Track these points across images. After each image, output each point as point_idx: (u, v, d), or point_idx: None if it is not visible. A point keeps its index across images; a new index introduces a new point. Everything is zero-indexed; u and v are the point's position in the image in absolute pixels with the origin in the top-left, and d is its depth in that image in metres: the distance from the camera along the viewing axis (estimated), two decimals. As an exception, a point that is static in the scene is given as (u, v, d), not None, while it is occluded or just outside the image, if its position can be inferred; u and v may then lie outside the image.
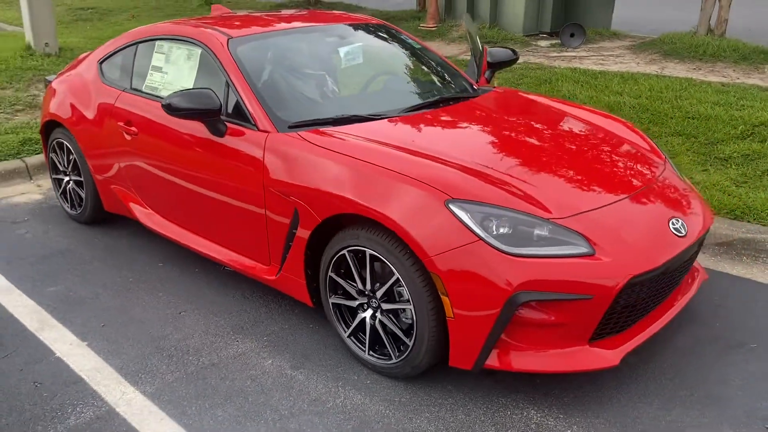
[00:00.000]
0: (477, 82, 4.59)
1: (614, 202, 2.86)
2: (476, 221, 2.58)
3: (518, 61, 7.56)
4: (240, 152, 3.26)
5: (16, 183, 5.50)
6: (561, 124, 3.55)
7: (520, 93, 4.10)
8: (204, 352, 3.16)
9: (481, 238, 2.55)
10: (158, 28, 4.08)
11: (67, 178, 4.69)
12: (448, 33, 9.39)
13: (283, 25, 3.99)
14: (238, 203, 3.32)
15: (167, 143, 3.68)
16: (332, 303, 3.07)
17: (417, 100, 3.67)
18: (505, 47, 4.75)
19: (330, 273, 3.01)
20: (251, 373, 3.00)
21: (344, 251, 2.90)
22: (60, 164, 4.72)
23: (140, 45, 4.11)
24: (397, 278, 2.73)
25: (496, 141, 3.27)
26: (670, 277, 2.88)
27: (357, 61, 3.89)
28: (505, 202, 2.67)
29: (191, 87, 3.65)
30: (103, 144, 4.18)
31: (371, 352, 2.96)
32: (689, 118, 5.70)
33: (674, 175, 3.27)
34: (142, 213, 4.09)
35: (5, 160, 5.66)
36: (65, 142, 4.54)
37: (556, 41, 8.78)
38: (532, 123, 3.54)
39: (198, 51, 3.68)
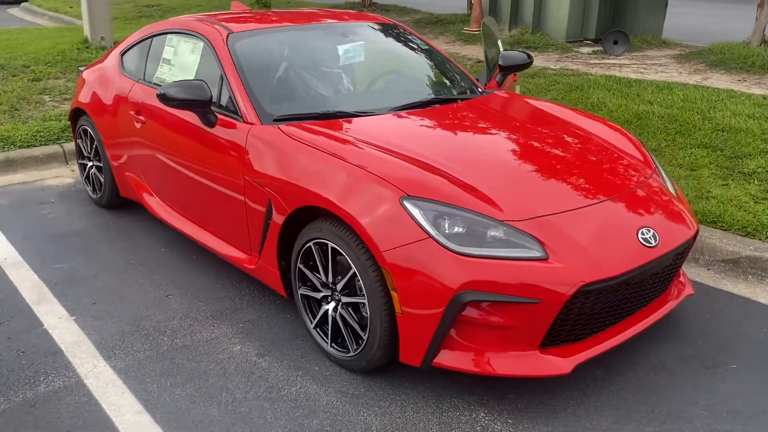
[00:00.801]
0: (486, 84, 4.57)
1: (580, 207, 2.80)
2: (428, 219, 2.59)
3: (554, 68, 7.46)
4: (226, 142, 3.36)
5: (53, 167, 5.81)
6: (548, 129, 3.50)
7: (521, 97, 4.06)
8: (179, 334, 3.28)
9: (430, 236, 2.55)
10: (171, 23, 4.25)
11: (90, 164, 4.93)
12: (490, 37, 9.32)
13: (289, 22, 4.07)
14: (225, 192, 3.42)
15: (168, 132, 3.83)
16: (301, 294, 3.13)
17: (409, 100, 3.68)
18: (521, 51, 4.71)
19: (299, 264, 3.07)
20: (218, 357, 3.09)
21: (310, 243, 2.95)
22: (84, 150, 4.96)
23: (155, 38, 4.29)
24: (354, 272, 2.76)
25: (473, 143, 3.26)
26: (637, 288, 2.80)
27: (357, 59, 3.93)
28: (461, 202, 2.66)
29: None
30: (119, 132, 4.38)
31: (333, 345, 3.00)
32: (719, 130, 5.47)
33: (659, 185, 3.17)
34: (149, 199, 4.27)
35: (45, 144, 5.99)
36: (89, 129, 4.78)
37: (599, 48, 8.57)
38: (518, 127, 3.51)
39: (201, 44, 3.81)
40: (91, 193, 5.00)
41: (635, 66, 7.60)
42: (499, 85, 4.64)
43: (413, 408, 2.75)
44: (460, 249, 2.53)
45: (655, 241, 2.79)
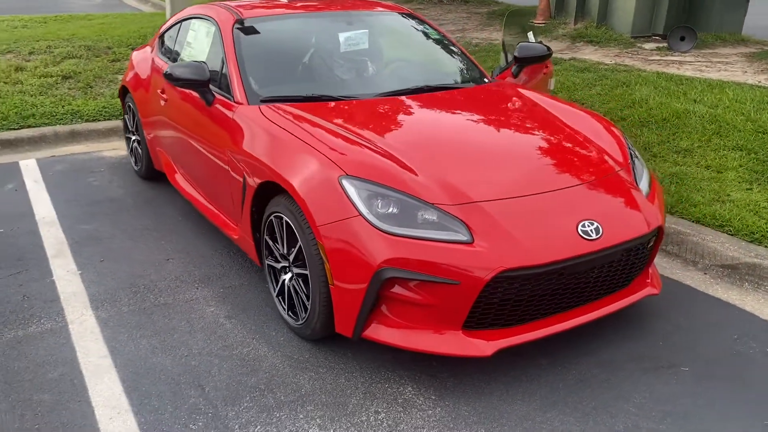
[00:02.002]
0: (497, 75, 4.58)
1: (521, 196, 2.84)
2: (361, 198, 2.72)
3: (608, 63, 7.26)
4: (219, 120, 3.62)
5: (112, 140, 6.35)
6: (525, 120, 3.52)
7: (517, 88, 4.05)
8: (164, 293, 3.58)
9: (361, 214, 2.68)
10: (197, 8, 4.56)
11: (133, 138, 5.36)
12: (554, 30, 9.13)
13: (303, 10, 4.27)
14: (219, 166, 3.68)
15: (181, 110, 4.15)
16: (267, 264, 3.34)
17: (401, 86, 3.80)
18: (540, 42, 4.69)
19: (265, 236, 3.28)
20: (190, 316, 3.36)
21: (272, 216, 3.16)
22: (129, 125, 5.41)
23: (184, 22, 4.63)
24: (300, 245, 2.94)
25: (439, 129, 3.34)
26: (574, 280, 2.80)
27: (360, 46, 4.08)
28: (397, 184, 2.77)
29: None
30: (151, 109, 4.76)
31: (289, 313, 3.20)
32: (759, 132, 5.18)
33: (625, 181, 3.13)
34: (169, 171, 4.62)
35: (108, 120, 6.54)
36: (131, 106, 5.21)
37: (665, 45, 8.21)
38: (495, 117, 3.55)
39: (213, 29, 4.09)
40: (133, 165, 5.45)
41: (698, 64, 7.25)
42: (515, 77, 4.64)
43: (346, 377, 2.90)
44: (386, 228, 2.65)
45: (597, 234, 2.78)
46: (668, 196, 4.43)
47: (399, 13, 4.54)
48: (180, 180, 4.50)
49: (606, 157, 3.24)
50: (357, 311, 2.73)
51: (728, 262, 3.82)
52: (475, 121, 3.46)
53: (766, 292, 3.63)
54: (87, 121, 6.49)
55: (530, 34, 5.17)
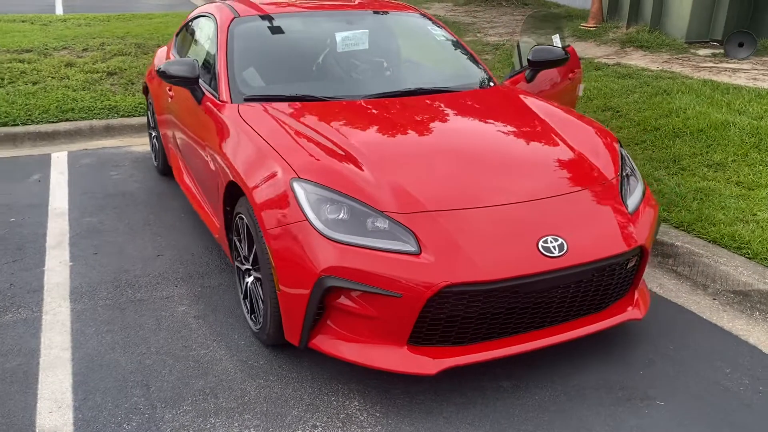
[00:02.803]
0: (508, 78, 4.39)
1: (482, 207, 2.67)
2: (310, 202, 2.62)
3: (654, 70, 6.87)
4: (206, 117, 3.60)
5: (144, 136, 6.48)
6: (512, 128, 3.33)
7: (517, 94, 3.84)
8: (143, 289, 3.59)
9: (307, 219, 2.59)
10: (207, 6, 4.57)
11: (153, 134, 5.46)
12: (604, 34, 8.70)
13: (307, 8, 4.21)
14: (206, 162, 3.66)
15: (180, 107, 4.17)
16: (236, 266, 3.29)
17: (392, 88, 3.68)
18: (568, 46, 4.47)
19: (234, 237, 3.23)
20: (160, 314, 3.35)
21: (237, 217, 3.10)
22: (150, 121, 5.51)
23: (195, 20, 4.66)
24: (256, 247, 2.87)
25: (412, 133, 3.19)
26: (535, 299, 2.61)
27: (359, 46, 3.98)
28: (349, 189, 2.65)
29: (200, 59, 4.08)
30: (162, 106, 4.82)
31: (251, 316, 3.13)
32: (804, 148, 4.75)
33: (607, 196, 2.89)
34: (177, 169, 4.66)
35: (143, 116, 6.69)
36: (151, 102, 5.30)
37: (721, 51, 7.67)
38: (480, 123, 3.38)
39: (213, 27, 4.09)
40: (153, 160, 5.54)
41: (754, 72, 6.73)
42: (528, 81, 4.43)
43: (295, 387, 2.81)
44: (332, 234, 2.54)
45: (560, 251, 2.58)
46: (688, 213, 4.12)
47: (407, 13, 4.41)
48: (181, 176, 4.53)
49: (591, 170, 3.01)
50: (302, 319, 2.63)
51: (740, 288, 3.50)
52: (457, 127, 3.30)
53: (776, 324, 3.30)
54: (123, 116, 6.67)
55: (555, 37, 4.92)
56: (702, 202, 4.25)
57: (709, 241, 3.87)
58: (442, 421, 2.61)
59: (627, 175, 3.14)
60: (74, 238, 4.20)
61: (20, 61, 7.74)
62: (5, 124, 6.25)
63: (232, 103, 3.47)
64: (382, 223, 2.57)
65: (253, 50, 3.81)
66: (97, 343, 3.10)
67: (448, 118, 3.42)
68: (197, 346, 3.09)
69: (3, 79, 7.15)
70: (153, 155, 5.54)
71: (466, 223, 2.60)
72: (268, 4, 4.29)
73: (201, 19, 4.47)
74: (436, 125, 3.31)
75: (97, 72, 7.66)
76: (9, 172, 5.42)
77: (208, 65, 3.89)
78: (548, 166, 3.02)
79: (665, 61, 7.28)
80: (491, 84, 4.02)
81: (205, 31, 4.29)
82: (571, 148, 3.15)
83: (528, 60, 4.27)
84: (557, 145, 3.17)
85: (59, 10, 13.60)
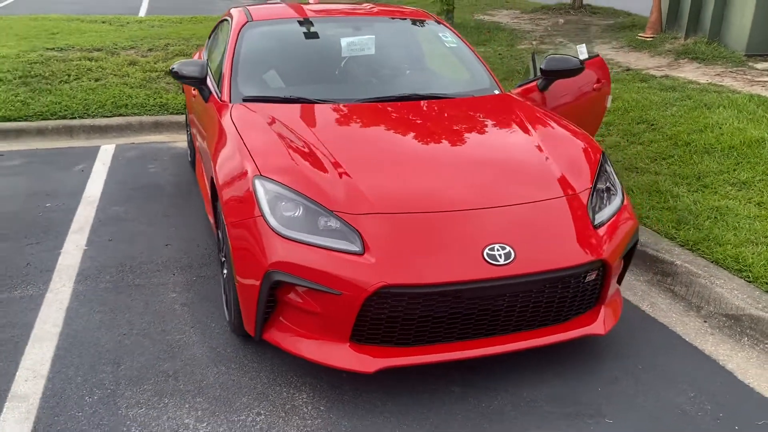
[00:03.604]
0: (519, 86, 4.37)
1: (433, 211, 2.71)
2: (268, 199, 2.73)
3: (701, 83, 6.61)
4: (209, 115, 3.79)
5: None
6: (489, 134, 3.35)
7: (513, 102, 3.81)
8: (143, 275, 3.80)
9: (263, 214, 2.70)
10: (232, 10, 4.78)
11: (189, 130, 5.74)
12: (660, 45, 8.37)
13: (320, 14, 4.34)
14: (207, 160, 3.85)
15: (198, 105, 4.38)
16: (221, 259, 3.44)
17: (387, 93, 3.74)
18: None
19: (218, 230, 3.39)
20: (151, 299, 3.55)
21: (219, 212, 3.25)
22: (187, 118, 5.80)
23: (221, 23, 4.88)
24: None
25: (388, 137, 3.26)
26: (480, 305, 2.61)
27: (365, 51, 4.06)
28: (306, 189, 2.75)
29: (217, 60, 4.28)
30: (190, 104, 5.08)
31: (226, 306, 3.27)
32: (838, 170, 4.45)
33: (569, 207, 2.85)
34: (197, 164, 4.89)
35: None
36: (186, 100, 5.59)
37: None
38: (460, 129, 3.42)
39: (229, 29, 4.28)
40: (188, 156, 5.83)
41: (813, 88, 6.34)
42: (541, 90, 4.39)
43: (252, 375, 2.92)
44: (283, 231, 2.64)
45: (506, 259, 2.58)
46: (697, 232, 3.97)
47: (419, 19, 4.46)
48: (197, 171, 4.75)
49: (560, 182, 2.97)
50: (255, 310, 2.75)
51: (732, 312, 3.35)
52: (437, 132, 3.33)
53: (762, 351, 3.14)
54: (171, 113, 7.02)
55: (582, 47, 4.83)
56: (715, 221, 4.08)
57: (712, 262, 3.72)
58: (382, 419, 2.66)
59: (604, 188, 3.08)
60: (96, 225, 4.49)
61: (89, 59, 8.27)
62: (64, 117, 6.72)
63: (230, 103, 3.63)
64: (333, 223, 2.65)
65: (258, 53, 3.97)
66: (85, 322, 3.32)
67: (432, 123, 3.46)
68: (175, 331, 3.26)
69: (69, 76, 7.67)
70: (189, 151, 5.83)
71: (415, 227, 2.65)
72: (286, 9, 4.45)
73: (224, 22, 4.68)
74: (416, 130, 3.36)
75: (156, 71, 8.09)
76: (59, 162, 5.83)
77: (222, 66, 4.08)
78: (516, 175, 3.02)
79: (717, 75, 6.97)
80: (495, 92, 4.01)
81: (224, 34, 4.49)
82: (547, 159, 3.12)
83: (540, 69, 4.24)
84: (533, 154, 3.15)
85: (142, 12, 14.40)
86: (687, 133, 5.37)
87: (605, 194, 3.07)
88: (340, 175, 2.84)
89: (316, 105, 3.56)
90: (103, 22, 11.09)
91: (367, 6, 4.60)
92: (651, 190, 4.61)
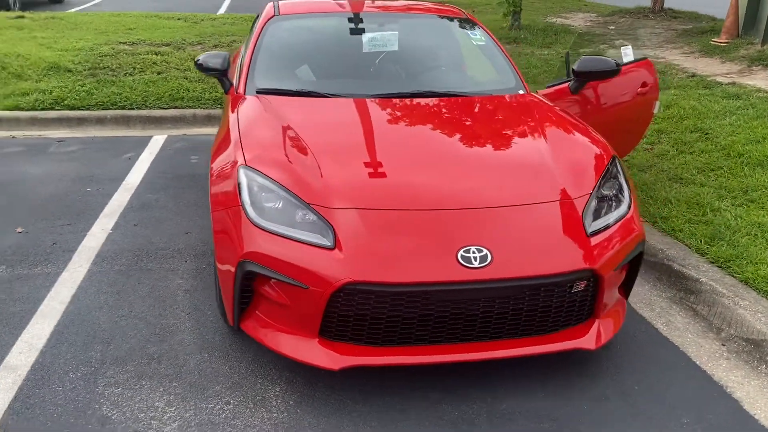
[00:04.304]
0: (548, 86, 4.22)
1: (413, 209, 2.63)
2: (249, 189, 2.73)
3: (759, 93, 6.16)
4: (225, 106, 3.85)
5: (239, 126, 6.97)
6: (494, 135, 3.25)
7: (531, 103, 3.65)
8: (155, 261, 3.89)
9: (242, 204, 2.70)
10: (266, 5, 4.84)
11: (231, 123, 5.86)
12: (734, 51, 7.82)
13: (349, 10, 4.32)
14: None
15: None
16: (219, 247, 3.48)
17: (401, 89, 3.68)
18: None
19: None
20: (157, 284, 3.62)
21: (217, 200, 3.29)
22: (229, 111, 5.92)
23: (256, 18, 4.94)
24: (216, 228, 3.03)
25: (388, 132, 3.23)
26: (453, 309, 2.51)
27: (387, 47, 4.01)
28: (288, 181, 2.74)
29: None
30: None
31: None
32: None
33: (560, 213, 2.70)
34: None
35: (242, 107, 7.18)
36: (229, 94, 5.70)
37: None
38: (466, 128, 3.32)
39: (258, 22, 4.33)
40: (230, 148, 5.95)
41: None
42: (573, 93, 4.21)
43: (232, 365, 2.93)
44: (259, 221, 2.63)
45: (481, 263, 2.47)
46: (730, 249, 3.69)
47: (449, 16, 4.36)
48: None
49: (556, 186, 2.82)
50: (232, 299, 2.75)
51: (753, 336, 3.09)
52: (438, 130, 3.24)
53: (779, 382, 2.87)
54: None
55: (627, 48, 4.59)
56: (754, 238, 3.78)
57: (741, 282, 3.44)
58: (347, 419, 2.60)
59: (611, 195, 2.91)
60: (126, 210, 4.65)
61: (156, 54, 8.60)
62: (123, 107, 7.01)
63: (245, 95, 3.67)
64: (310, 216, 2.62)
65: (279, 46, 3.99)
66: (90, 302, 3.43)
67: (438, 121, 3.37)
68: (171, 316, 3.31)
69: (135, 68, 7.99)
70: (230, 143, 5.94)
71: (391, 224, 2.58)
72: (318, 3, 4.46)
73: (258, 17, 4.74)
74: (417, 127, 3.28)
75: (217, 66, 8.30)
76: (111, 150, 6.08)
77: (243, 58, 4.13)
78: (511, 178, 2.89)
79: (791, 83, 6.48)
80: (520, 92, 3.87)
81: (256, 27, 4.55)
82: (549, 162, 2.97)
83: (573, 70, 4.06)
84: (535, 157, 3.01)
85: (222, 10, 14.88)
86: (742, 143, 5.00)
87: (610, 201, 2.89)
88: (327, 169, 2.80)
89: (325, 99, 3.54)
90: (179, 19, 11.51)
91: (399, 2, 4.54)
92: (691, 202, 4.32)
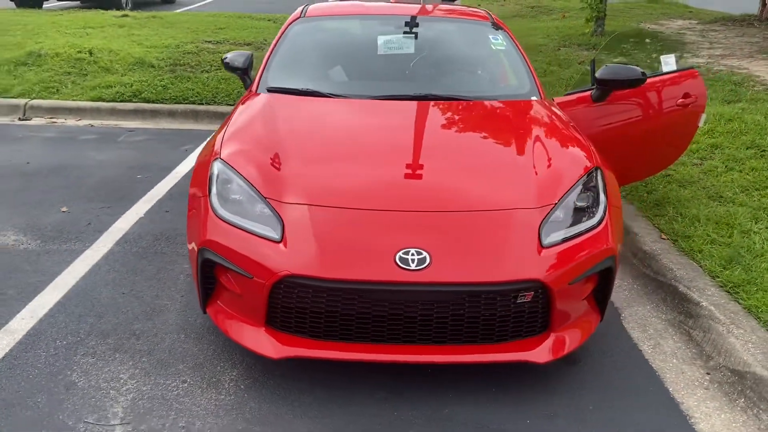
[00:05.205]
0: (570, 95, 4.11)
1: (365, 209, 2.69)
2: (218, 181, 2.87)
3: None
4: (239, 101, 4.04)
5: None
6: (479, 140, 3.24)
7: (534, 110, 3.56)
8: (171, 246, 4.12)
9: (208, 194, 2.85)
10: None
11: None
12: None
13: (372, 13, 4.39)
14: None
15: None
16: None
17: (404, 92, 3.70)
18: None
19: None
20: (166, 267, 3.84)
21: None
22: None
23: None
24: (200, 217, 3.20)
25: (366, 134, 3.29)
26: (390, 309, 2.53)
27: (402, 50, 4.04)
28: (251, 176, 2.86)
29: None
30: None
31: (211, 281, 3.47)
32: None
33: (516, 222, 2.65)
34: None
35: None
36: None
37: None
38: (449, 131, 3.32)
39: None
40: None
41: None
42: (594, 101, 4.07)
43: (202, 347, 3.08)
44: (220, 212, 2.77)
45: (419, 265, 2.47)
46: (744, 273, 3.46)
47: (472, 20, 4.34)
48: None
49: (519, 194, 2.77)
50: (198, 284, 2.90)
51: (738, 367, 2.89)
52: (420, 133, 3.25)
53: (752, 417, 2.67)
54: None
55: (668, 57, 4.36)
56: (774, 264, 3.51)
57: (744, 308, 3.21)
58: (287, 408, 2.68)
59: (580, 207, 2.81)
60: (165, 198, 4.95)
61: (235, 52, 9.03)
62: (193, 102, 7.43)
63: (257, 92, 3.83)
64: (266, 210, 2.72)
65: (297, 47, 4.12)
66: (99, 279, 3.71)
67: (425, 123, 3.38)
68: (166, 297, 3.52)
69: (212, 66, 8.43)
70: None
71: (338, 221, 2.64)
72: (347, 6, 4.56)
73: (292, 18, 4.92)
74: (402, 129, 3.30)
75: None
76: (173, 141, 6.48)
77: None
78: (474, 183, 2.88)
79: None
80: (533, 98, 3.79)
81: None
82: (521, 170, 2.91)
83: (595, 78, 3.94)
84: (508, 165, 3.00)
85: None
86: (793, 161, 4.63)
87: (581, 213, 2.79)
88: (294, 166, 2.90)
89: (328, 99, 3.63)
90: (269, 20, 11.99)
91: (426, 5, 4.56)
92: (721, 222, 4.06)
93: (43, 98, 7.36)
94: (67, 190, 5.00)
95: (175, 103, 7.44)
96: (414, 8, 4.49)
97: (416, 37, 4.09)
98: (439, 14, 4.38)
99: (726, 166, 4.92)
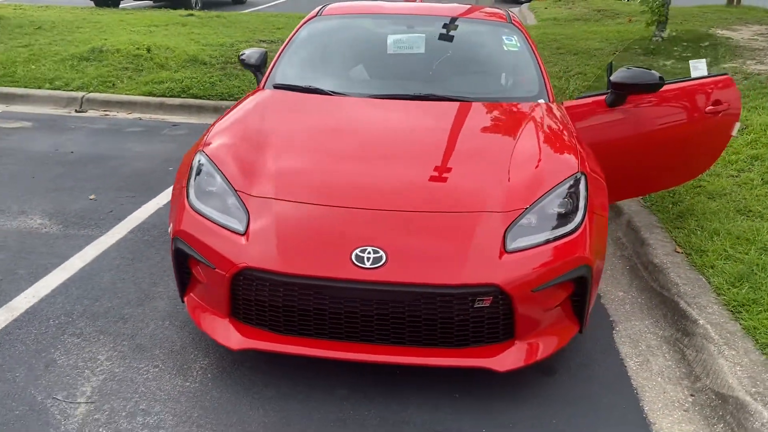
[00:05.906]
0: (582, 99, 3.99)
1: (328, 206, 2.70)
2: (197, 172, 2.94)
3: None
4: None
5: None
6: (465, 142, 3.18)
7: (535, 114, 3.44)
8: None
9: (186, 185, 2.92)
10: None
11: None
12: None
13: (387, 12, 4.39)
14: None
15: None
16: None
17: (405, 91, 3.68)
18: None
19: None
20: (168, 254, 3.96)
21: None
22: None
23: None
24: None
25: (353, 132, 3.32)
26: (346, 307, 2.53)
27: (413, 50, 4.02)
28: (227, 169, 2.91)
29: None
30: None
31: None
32: None
33: (479, 225, 2.59)
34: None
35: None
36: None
37: None
38: (438, 132, 3.27)
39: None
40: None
41: None
42: (609, 106, 3.93)
43: (183, 334, 3.16)
44: (194, 202, 2.84)
45: (374, 264, 2.46)
46: (752, 292, 3.26)
47: (488, 21, 4.26)
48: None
49: (488, 198, 2.71)
50: (176, 275, 2.97)
51: (722, 390, 2.72)
52: (411, 133, 3.23)
53: (728, 444, 2.50)
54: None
55: (698, 62, 4.15)
56: (787, 284, 3.28)
57: (743, 329, 3.02)
58: (247, 399, 2.72)
59: (555, 213, 2.72)
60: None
61: (275, 50, 9.21)
62: (237, 99, 7.62)
63: (264, 88, 3.90)
64: (235, 202, 2.77)
65: (307, 45, 4.16)
66: (105, 264, 3.86)
67: (415, 123, 3.34)
68: (162, 284, 3.63)
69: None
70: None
71: (301, 217, 2.66)
72: (365, 6, 4.58)
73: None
74: (390, 128, 3.29)
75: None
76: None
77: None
78: (448, 185, 2.83)
79: None
80: (541, 100, 3.69)
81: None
82: (498, 173, 2.84)
83: (610, 82, 3.80)
84: (487, 167, 2.92)
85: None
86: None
87: (555, 219, 2.70)
88: (272, 161, 2.94)
89: (325, 97, 3.65)
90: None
91: (442, 5, 4.51)
92: (742, 237, 3.83)
93: (99, 92, 7.73)
94: (101, 179, 5.22)
95: (221, 99, 7.65)
96: (433, 8, 4.45)
97: (427, 37, 4.05)
98: (456, 14, 4.32)
99: (763, 179, 4.63)
